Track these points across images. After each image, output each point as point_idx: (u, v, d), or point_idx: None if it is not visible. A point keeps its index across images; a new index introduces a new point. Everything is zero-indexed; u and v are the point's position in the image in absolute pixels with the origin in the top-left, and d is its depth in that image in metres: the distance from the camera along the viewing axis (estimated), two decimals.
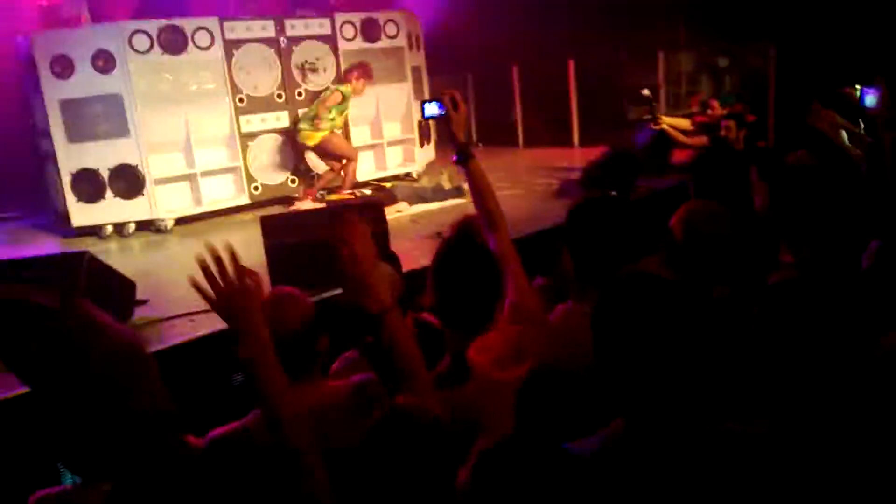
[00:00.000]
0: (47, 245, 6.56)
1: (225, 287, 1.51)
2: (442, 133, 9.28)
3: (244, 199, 7.07)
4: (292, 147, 7.27)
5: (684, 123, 7.27)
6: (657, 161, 7.06)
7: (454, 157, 2.27)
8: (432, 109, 2.34)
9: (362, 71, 7.16)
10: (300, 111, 7.20)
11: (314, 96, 7.37)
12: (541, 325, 2.00)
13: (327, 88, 7.18)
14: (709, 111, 7.19)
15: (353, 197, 6.93)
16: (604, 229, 2.10)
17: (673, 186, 6.12)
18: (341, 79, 7.31)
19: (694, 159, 5.67)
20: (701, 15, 10.10)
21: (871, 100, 3.60)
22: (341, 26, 7.50)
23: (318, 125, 6.97)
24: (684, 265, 2.24)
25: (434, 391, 1.68)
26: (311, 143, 6.99)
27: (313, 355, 2.00)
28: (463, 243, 2.01)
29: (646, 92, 7.50)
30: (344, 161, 7.13)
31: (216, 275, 1.52)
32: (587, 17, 10.12)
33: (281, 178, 7.28)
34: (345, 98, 7.05)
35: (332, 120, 7.04)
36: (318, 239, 4.12)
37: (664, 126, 6.91)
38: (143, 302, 4.39)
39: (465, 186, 6.99)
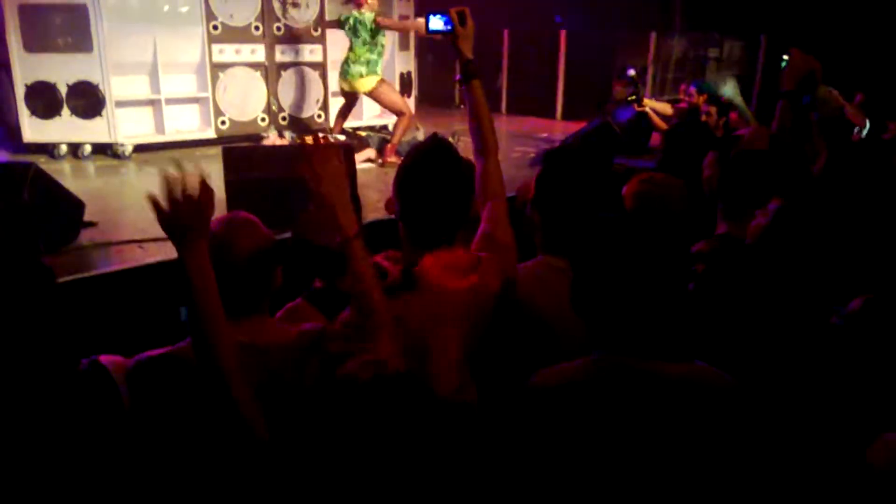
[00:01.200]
0: None
1: (180, 202, 1.53)
2: (423, 87, 9.07)
3: (209, 133, 6.76)
4: (266, 83, 6.95)
5: (666, 108, 7.19)
6: (636, 141, 7.03)
7: (457, 76, 2.18)
8: (437, 23, 2.19)
9: None
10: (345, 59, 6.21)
11: (294, 33, 7.03)
12: (510, 256, 1.94)
13: (349, 17, 6.12)
14: (683, 97, 7.12)
15: (324, 140, 6.65)
16: (572, 181, 2.09)
17: (650, 167, 6.04)
18: (352, 4, 6.27)
19: (665, 133, 5.60)
20: (698, 2, 10.00)
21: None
22: None
23: (367, 68, 6.08)
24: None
25: (391, 325, 1.59)
26: (364, 88, 6.17)
27: (264, 289, 1.84)
28: (435, 150, 1.85)
29: (632, 72, 7.38)
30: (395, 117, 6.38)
31: (174, 191, 1.53)
32: None
33: (251, 115, 6.96)
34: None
35: (380, 52, 6.20)
36: (283, 176, 3.94)
37: (646, 108, 6.83)
38: (93, 224, 4.17)
39: None
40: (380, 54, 6.22)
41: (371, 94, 6.26)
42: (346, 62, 6.19)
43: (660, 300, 1.41)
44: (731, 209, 2.41)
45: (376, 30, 6.05)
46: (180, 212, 1.54)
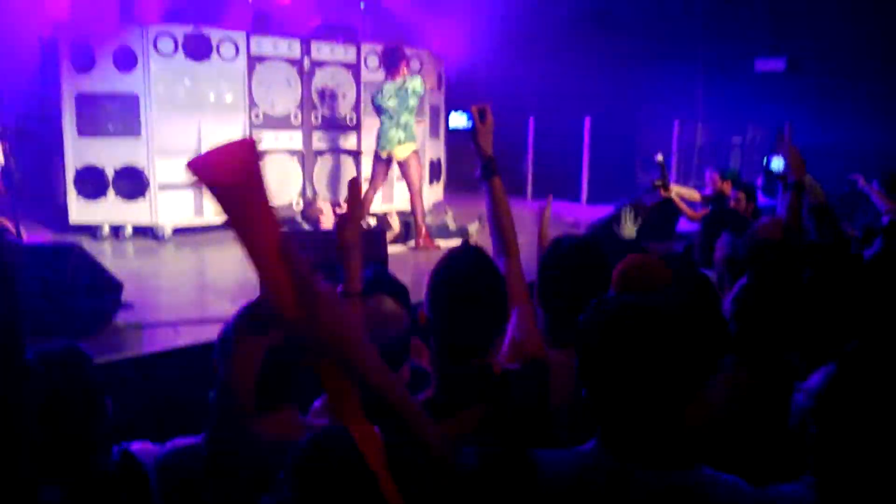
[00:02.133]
0: (39, 236, 6.44)
1: None
2: (451, 173, 9.34)
3: None
4: (303, 169, 7.22)
5: (693, 194, 7.27)
6: (663, 226, 7.05)
7: (477, 172, 2.16)
8: (458, 120, 2.26)
9: (406, 59, 6.48)
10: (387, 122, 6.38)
11: (331, 122, 7.35)
12: (542, 368, 1.83)
13: (392, 88, 6.32)
14: (709, 183, 7.21)
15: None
16: (576, 270, 2.05)
17: (677, 252, 6.08)
18: (388, 76, 6.46)
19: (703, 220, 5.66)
20: (719, 90, 10.24)
21: (777, 163, 3.70)
22: (366, 56, 7.53)
23: (404, 133, 6.29)
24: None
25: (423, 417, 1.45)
26: (400, 155, 6.36)
27: (290, 382, 1.81)
28: (469, 265, 1.74)
29: (659, 158, 7.51)
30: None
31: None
32: (608, 78, 10.24)
33: (286, 199, 7.20)
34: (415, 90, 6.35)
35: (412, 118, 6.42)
36: (318, 260, 4.05)
37: (672, 194, 6.90)
38: (129, 305, 4.28)
39: (471, 229, 7.02)
40: (414, 121, 6.46)
41: (403, 162, 6.42)
42: (383, 132, 6.40)
43: (662, 398, 1.32)
44: None
45: (406, 95, 6.29)
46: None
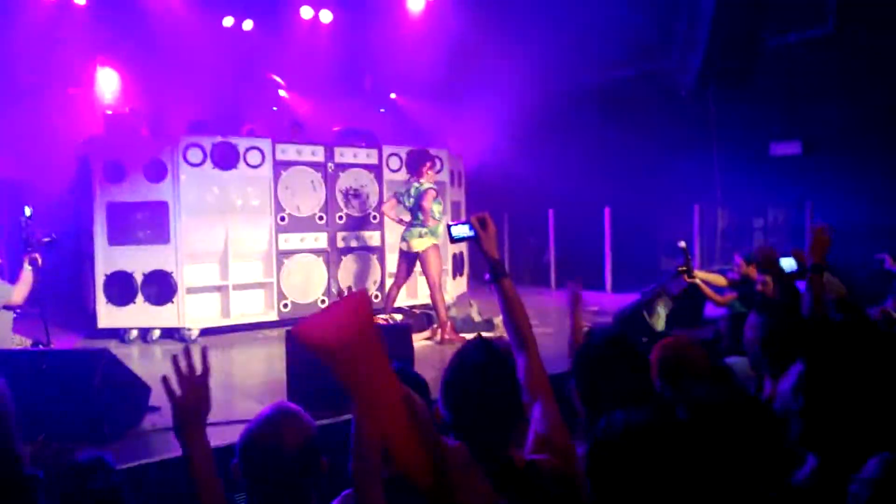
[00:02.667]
0: (68, 341, 6.52)
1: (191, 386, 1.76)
2: (474, 266, 9.42)
3: (272, 316, 7.04)
4: (328, 268, 7.32)
5: (719, 279, 7.22)
6: (690, 313, 6.97)
7: (487, 276, 2.23)
8: (461, 231, 2.32)
9: (431, 161, 6.74)
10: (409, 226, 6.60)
11: (354, 221, 7.51)
12: (570, 460, 1.81)
13: (413, 189, 6.58)
14: (735, 267, 7.16)
15: (385, 321, 6.85)
16: (610, 367, 2.06)
17: (705, 338, 5.98)
18: (413, 178, 6.69)
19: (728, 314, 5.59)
20: (736, 174, 10.33)
21: (787, 263, 3.72)
22: (388, 157, 7.77)
23: (427, 224, 6.50)
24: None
25: None
26: (418, 247, 6.51)
27: (312, 480, 1.82)
28: (479, 351, 1.80)
29: (682, 244, 7.51)
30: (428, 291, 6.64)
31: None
32: (625, 167, 10.41)
33: (311, 297, 7.27)
34: (437, 192, 6.66)
35: (440, 219, 6.63)
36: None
37: (697, 280, 6.84)
38: (156, 409, 4.27)
39: (496, 321, 7.01)
40: (438, 221, 6.60)
41: (421, 255, 6.54)
42: (407, 227, 6.64)
43: None
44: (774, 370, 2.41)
45: (419, 197, 6.48)
46: (189, 396, 1.70)
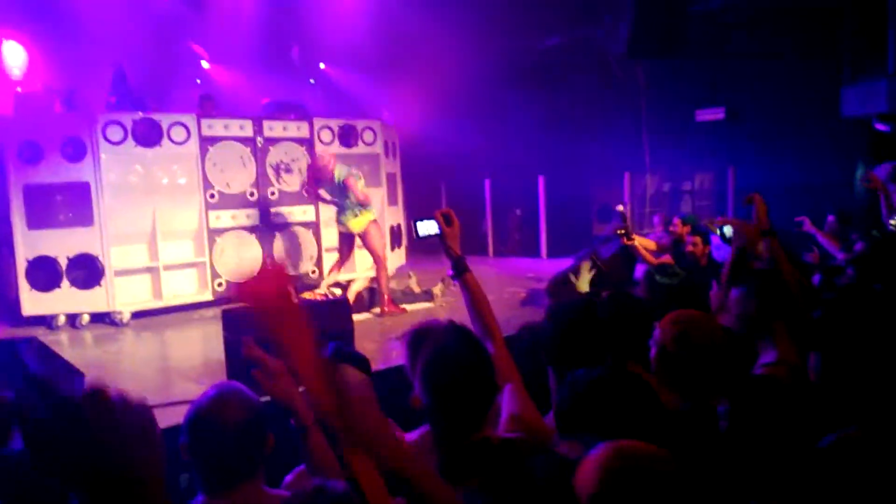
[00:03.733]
0: None
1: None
2: (412, 238, 9.42)
3: (207, 296, 6.89)
4: (261, 244, 7.18)
5: (650, 244, 7.44)
6: (621, 275, 7.17)
7: (450, 271, 2.28)
8: (427, 228, 2.32)
9: (325, 163, 6.47)
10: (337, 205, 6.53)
11: (287, 196, 7.37)
12: (543, 438, 1.87)
13: (341, 176, 6.41)
14: (671, 228, 7.39)
15: (323, 296, 6.80)
16: (582, 330, 2.13)
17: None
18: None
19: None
20: (664, 141, 10.62)
21: (728, 230, 3.86)
22: (319, 130, 7.63)
23: (360, 209, 6.43)
24: (678, 376, 2.20)
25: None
26: (356, 228, 6.50)
27: (256, 457, 1.84)
28: (456, 337, 1.83)
29: (620, 208, 7.71)
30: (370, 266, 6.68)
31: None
32: (558, 135, 10.55)
33: (246, 275, 7.11)
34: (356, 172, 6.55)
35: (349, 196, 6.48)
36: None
37: (635, 243, 7.02)
38: None
39: (435, 290, 7.03)
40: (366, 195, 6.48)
41: (361, 234, 6.50)
42: (339, 213, 6.54)
43: None
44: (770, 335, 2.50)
45: (343, 187, 6.39)
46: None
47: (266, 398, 2.02)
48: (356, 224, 6.45)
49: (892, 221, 6.18)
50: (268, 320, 1.29)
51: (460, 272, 2.24)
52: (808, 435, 1.85)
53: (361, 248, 6.78)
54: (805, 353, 2.17)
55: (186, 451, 1.80)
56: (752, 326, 2.53)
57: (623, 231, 7.03)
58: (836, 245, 5.92)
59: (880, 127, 9.12)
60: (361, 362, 2.36)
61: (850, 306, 2.49)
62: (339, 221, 6.58)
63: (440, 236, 2.29)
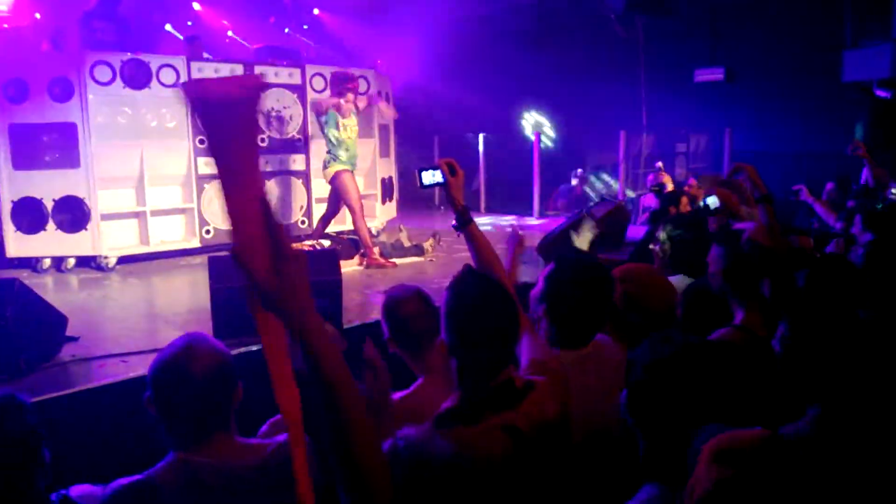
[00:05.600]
0: None
1: None
2: (404, 191, 9.33)
3: (194, 243, 6.83)
4: None
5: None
6: (614, 236, 7.15)
7: (453, 223, 2.25)
8: (431, 177, 2.28)
9: (353, 84, 6.51)
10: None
11: (278, 144, 7.27)
12: (564, 380, 1.88)
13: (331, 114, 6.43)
14: (685, 187, 7.37)
15: (311, 248, 6.75)
16: (579, 285, 2.15)
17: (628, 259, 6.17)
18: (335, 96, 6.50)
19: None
20: (661, 101, 10.50)
21: (711, 200, 3.83)
22: (311, 77, 7.48)
23: (332, 158, 6.38)
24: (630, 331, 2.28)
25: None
26: (326, 177, 6.49)
27: (226, 407, 1.78)
28: (479, 280, 1.81)
29: (659, 164, 7.74)
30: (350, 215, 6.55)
31: None
32: (555, 92, 10.40)
33: None
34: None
35: (341, 141, 6.45)
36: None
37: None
38: (74, 339, 4.12)
39: (426, 245, 7.00)
40: (346, 150, 6.48)
41: (332, 182, 6.49)
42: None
43: None
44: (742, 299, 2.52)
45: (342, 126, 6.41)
46: None
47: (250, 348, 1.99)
48: (326, 173, 6.49)
49: (893, 191, 6.17)
50: (216, 128, 1.12)
51: (464, 223, 2.20)
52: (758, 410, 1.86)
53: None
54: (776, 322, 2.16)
55: (151, 404, 1.75)
56: (725, 287, 2.56)
57: (657, 188, 7.09)
58: (833, 214, 5.89)
59: (881, 93, 9.03)
60: (333, 318, 2.35)
61: (820, 279, 2.49)
62: (323, 169, 6.60)
63: (444, 185, 2.24)
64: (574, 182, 10.16)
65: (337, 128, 6.43)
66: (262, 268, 1.13)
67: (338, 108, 6.41)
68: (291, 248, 1.16)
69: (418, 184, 2.30)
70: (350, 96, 6.48)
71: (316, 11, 11.86)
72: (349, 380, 1.22)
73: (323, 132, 6.48)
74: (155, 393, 1.74)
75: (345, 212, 6.75)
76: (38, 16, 8.74)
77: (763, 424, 1.34)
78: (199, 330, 4.01)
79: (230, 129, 1.13)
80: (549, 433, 1.69)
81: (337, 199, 6.65)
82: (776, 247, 2.71)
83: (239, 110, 1.13)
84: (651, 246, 3.46)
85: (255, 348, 3.61)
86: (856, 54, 9.10)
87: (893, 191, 6.24)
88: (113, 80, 6.33)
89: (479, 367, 1.69)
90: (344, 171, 6.47)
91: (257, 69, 7.16)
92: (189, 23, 10.42)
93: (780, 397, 2.02)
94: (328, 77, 7.49)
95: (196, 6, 10.57)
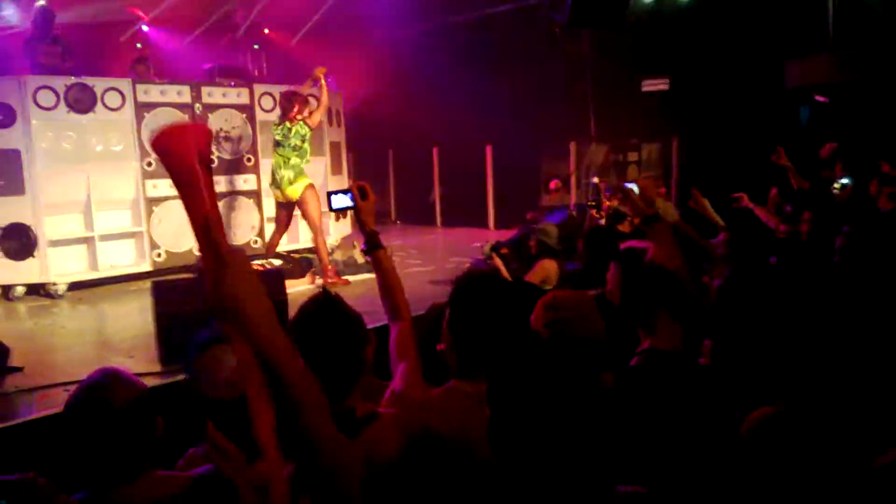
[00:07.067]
0: None
1: None
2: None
3: (145, 266, 6.77)
4: None
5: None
6: (566, 245, 7.25)
7: (363, 246, 2.28)
8: (340, 201, 2.31)
9: (300, 102, 6.48)
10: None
11: (228, 164, 7.26)
12: (422, 414, 1.88)
13: (288, 127, 6.41)
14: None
15: (261, 267, 6.75)
16: (487, 306, 2.02)
17: (579, 269, 6.27)
18: (282, 120, 6.49)
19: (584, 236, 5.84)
20: (609, 112, 10.70)
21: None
22: (260, 97, 7.50)
23: (294, 173, 6.32)
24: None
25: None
26: (294, 195, 6.36)
27: (148, 440, 1.78)
28: (322, 309, 1.85)
29: (595, 180, 7.78)
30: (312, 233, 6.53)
31: None
32: (505, 105, 10.53)
33: (186, 245, 7.02)
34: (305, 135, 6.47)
35: (302, 153, 6.41)
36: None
37: (602, 219, 6.94)
38: (18, 369, 4.08)
39: None
40: (306, 161, 6.50)
41: (300, 201, 6.41)
42: (275, 169, 6.45)
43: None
44: (639, 321, 2.42)
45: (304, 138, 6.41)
46: None
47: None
48: (293, 191, 6.39)
49: (835, 185, 6.37)
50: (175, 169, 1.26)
51: (372, 248, 2.23)
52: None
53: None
54: (693, 338, 2.21)
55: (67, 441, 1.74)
56: (624, 307, 2.48)
57: (594, 203, 7.08)
58: (774, 220, 6.05)
59: (820, 99, 9.37)
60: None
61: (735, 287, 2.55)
62: (275, 186, 6.50)
63: (354, 210, 2.28)
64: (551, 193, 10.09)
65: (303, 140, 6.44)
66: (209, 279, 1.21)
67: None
68: (227, 249, 1.22)
69: (328, 208, 2.35)
70: (299, 116, 6.48)
71: (266, 31, 11.87)
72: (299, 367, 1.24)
73: (288, 149, 6.37)
74: (71, 428, 1.74)
75: (295, 229, 6.75)
76: None
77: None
78: (146, 355, 3.98)
79: (185, 168, 1.28)
80: (380, 468, 1.63)
81: (289, 216, 6.63)
82: (676, 268, 2.61)
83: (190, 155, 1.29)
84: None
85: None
86: (796, 63, 9.43)
87: (836, 185, 6.42)
88: (57, 104, 6.28)
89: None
90: (312, 186, 6.47)
91: (204, 90, 7.15)
92: (138, 45, 10.34)
93: (706, 408, 2.11)
94: (277, 96, 7.52)
95: (144, 28, 10.51)
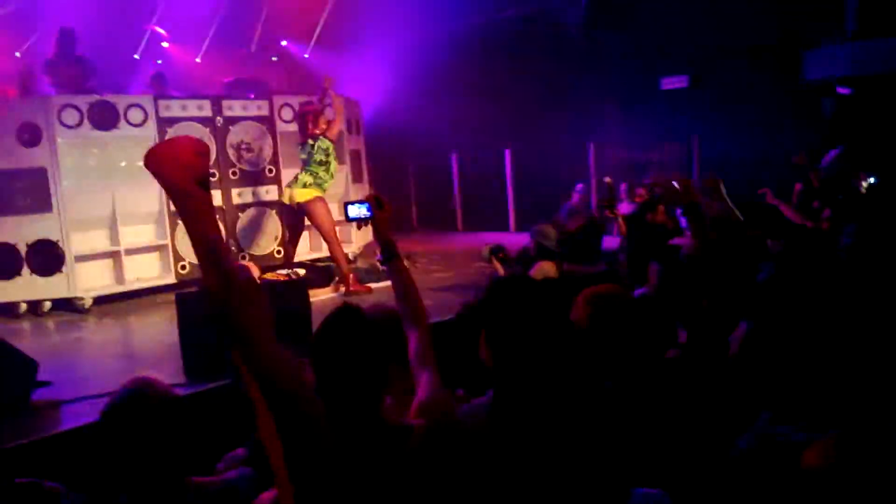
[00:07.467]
0: None
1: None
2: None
3: (170, 279, 6.86)
4: (225, 225, 7.15)
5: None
6: (587, 247, 7.19)
7: (379, 256, 2.27)
8: (357, 211, 2.31)
9: (312, 116, 6.61)
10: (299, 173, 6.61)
11: (249, 176, 7.33)
12: (449, 421, 1.86)
13: (312, 144, 6.55)
14: (636, 198, 7.45)
15: (285, 277, 6.79)
16: (522, 311, 1.94)
17: (602, 272, 6.23)
18: (303, 138, 6.66)
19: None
20: (629, 111, 10.63)
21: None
22: (279, 108, 7.57)
23: (312, 181, 6.46)
24: (591, 351, 2.22)
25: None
26: (300, 198, 6.46)
27: (179, 449, 1.82)
28: (344, 323, 1.78)
29: (607, 179, 7.71)
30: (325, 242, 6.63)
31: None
32: (522, 108, 10.52)
33: None
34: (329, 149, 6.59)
35: (328, 167, 6.57)
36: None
37: (618, 216, 6.94)
38: (47, 383, 4.14)
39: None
40: (331, 176, 6.61)
41: (304, 207, 6.48)
42: (295, 177, 6.60)
43: None
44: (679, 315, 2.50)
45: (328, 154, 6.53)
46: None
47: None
48: (300, 194, 6.47)
49: (863, 184, 6.26)
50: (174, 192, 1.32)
51: (389, 257, 2.22)
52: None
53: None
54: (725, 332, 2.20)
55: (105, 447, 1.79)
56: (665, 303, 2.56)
57: (607, 203, 7.03)
58: (799, 216, 5.95)
59: (842, 90, 9.19)
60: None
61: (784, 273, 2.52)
62: (288, 187, 6.63)
63: (371, 220, 2.28)
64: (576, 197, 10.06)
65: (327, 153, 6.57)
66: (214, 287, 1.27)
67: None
68: (230, 268, 1.26)
69: (346, 218, 2.36)
70: (316, 131, 6.57)
71: (284, 43, 11.99)
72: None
73: (312, 162, 6.53)
74: (107, 435, 1.78)
75: (318, 238, 6.79)
76: None
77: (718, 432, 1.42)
78: (171, 367, 4.03)
79: (180, 193, 1.33)
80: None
81: (299, 222, 6.75)
82: (711, 258, 2.66)
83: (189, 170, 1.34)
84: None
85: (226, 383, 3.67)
86: (815, 54, 9.26)
87: (864, 184, 6.31)
88: (81, 122, 6.39)
89: (342, 406, 1.68)
90: (321, 199, 6.55)
91: (225, 103, 7.23)
92: (158, 61, 10.50)
93: (732, 405, 2.08)
94: (297, 107, 7.59)
95: (165, 45, 10.67)
